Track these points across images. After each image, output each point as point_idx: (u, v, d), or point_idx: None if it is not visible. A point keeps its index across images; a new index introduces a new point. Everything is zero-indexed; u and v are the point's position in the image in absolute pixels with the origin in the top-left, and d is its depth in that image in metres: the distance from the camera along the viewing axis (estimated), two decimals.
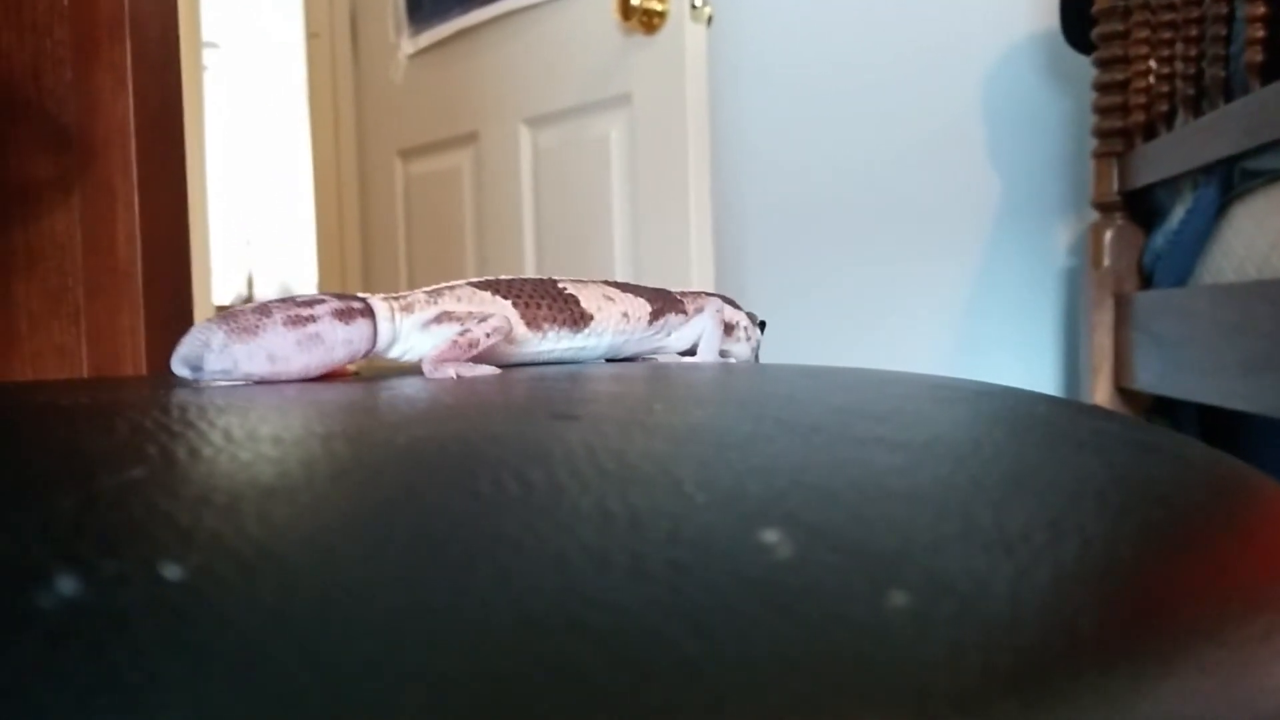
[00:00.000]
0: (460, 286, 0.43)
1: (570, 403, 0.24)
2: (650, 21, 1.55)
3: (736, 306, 0.55)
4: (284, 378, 0.37)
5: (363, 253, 2.11)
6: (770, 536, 0.14)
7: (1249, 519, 0.18)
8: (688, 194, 1.52)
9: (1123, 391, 1.56)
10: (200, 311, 3.35)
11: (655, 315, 0.49)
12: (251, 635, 0.12)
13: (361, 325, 0.39)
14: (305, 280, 3.89)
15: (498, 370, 0.40)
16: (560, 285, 0.46)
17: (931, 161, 1.75)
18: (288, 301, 0.38)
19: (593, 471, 0.17)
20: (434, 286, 0.43)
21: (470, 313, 0.41)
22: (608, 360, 0.49)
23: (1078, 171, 1.71)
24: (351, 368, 0.43)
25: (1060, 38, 1.63)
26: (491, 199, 1.78)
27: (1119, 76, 1.48)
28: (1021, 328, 1.79)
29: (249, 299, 5.48)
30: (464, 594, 0.13)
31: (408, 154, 1.97)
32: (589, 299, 0.46)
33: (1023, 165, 1.73)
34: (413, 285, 1.98)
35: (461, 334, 0.40)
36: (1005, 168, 1.74)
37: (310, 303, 0.38)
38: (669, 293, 0.51)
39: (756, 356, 0.57)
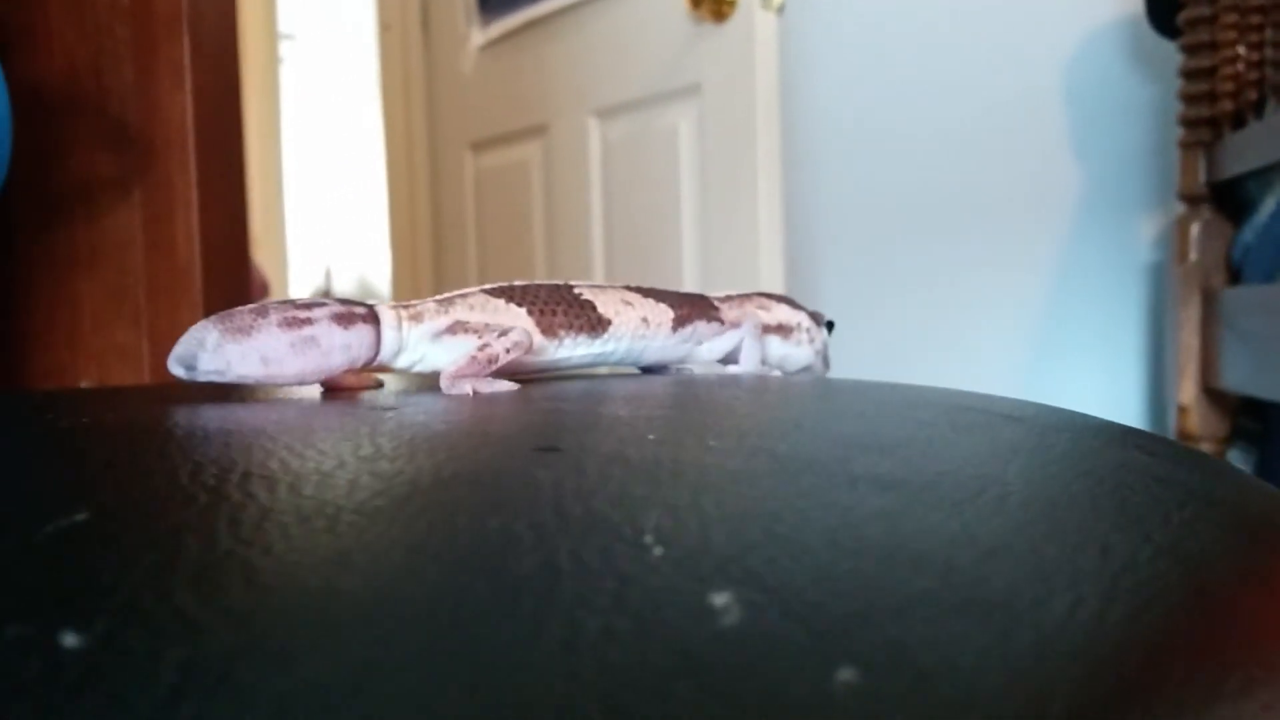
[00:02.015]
0: (474, 294, 0.42)
1: (560, 431, 0.23)
2: (720, 10, 1.53)
3: (796, 306, 0.53)
4: (281, 381, 0.36)
5: (434, 246, 2.12)
6: (720, 600, 0.13)
7: (1274, 576, 0.17)
8: (757, 186, 1.51)
9: (1210, 392, 1.51)
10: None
11: (680, 322, 0.47)
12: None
13: (362, 331, 0.38)
14: (380, 273, 3.93)
15: (515, 386, 0.39)
16: (576, 290, 0.44)
17: (1011, 152, 1.71)
18: (287, 303, 0.37)
19: (554, 519, 0.16)
20: (447, 294, 0.42)
21: (486, 324, 0.40)
22: (643, 369, 0.48)
23: (1163, 162, 1.66)
24: (372, 380, 0.42)
25: (1145, 23, 1.57)
26: (561, 191, 1.78)
27: (1206, 63, 1.42)
28: (1104, 325, 1.74)
29: (327, 292, 5.56)
30: (365, 661, 0.12)
31: (479, 146, 1.98)
32: (606, 304, 0.45)
33: (1106, 156, 1.68)
34: (484, 279, 1.99)
35: (481, 349, 0.39)
36: (1088, 159, 1.68)
37: (310, 305, 0.37)
38: (703, 299, 0.49)
39: (825, 360, 0.54)
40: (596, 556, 0.14)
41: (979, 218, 1.72)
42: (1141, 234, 1.70)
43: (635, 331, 0.45)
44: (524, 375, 0.43)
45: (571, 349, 0.43)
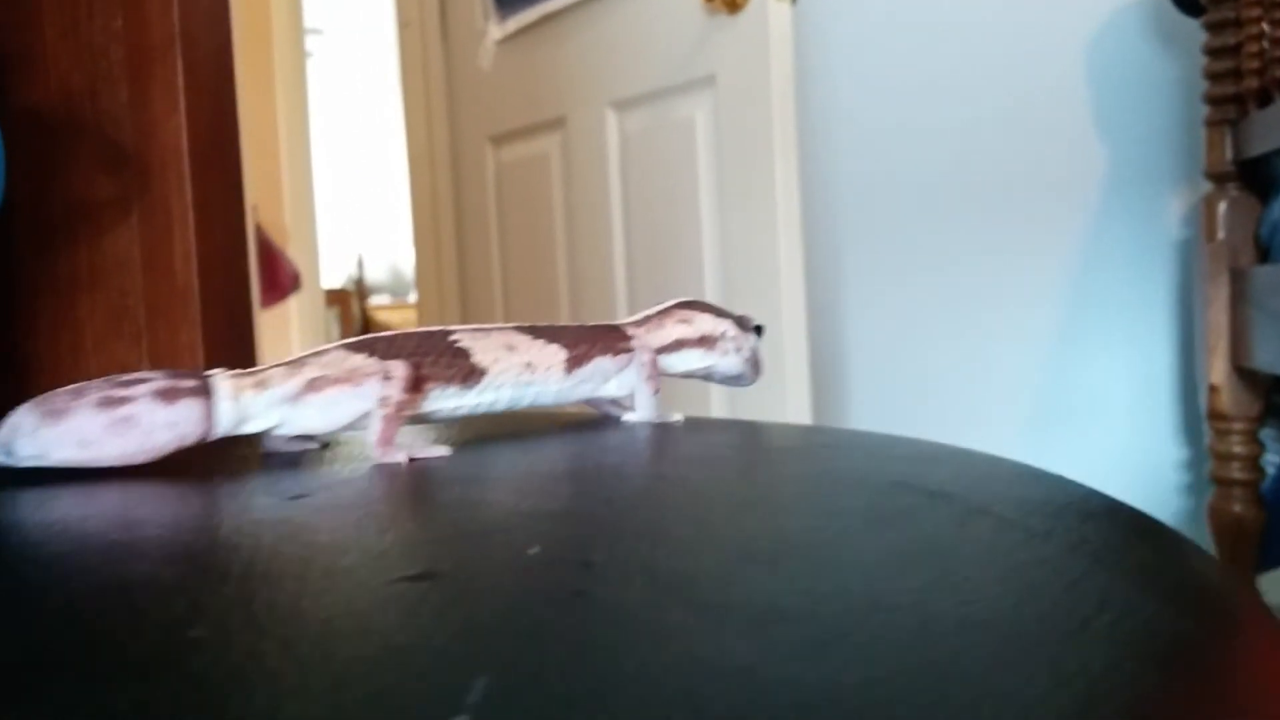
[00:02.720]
0: (332, 350, 0.40)
1: (412, 554, 0.23)
2: (734, 1, 1.51)
3: (721, 314, 0.51)
4: (105, 463, 0.35)
5: (457, 238, 2.13)
6: None
7: (1231, 681, 0.16)
8: (774, 176, 1.49)
9: (1241, 371, 1.48)
10: (298, 307, 3.41)
11: (576, 362, 0.45)
12: None
13: (188, 406, 0.36)
14: (410, 262, 3.95)
15: (447, 451, 0.39)
16: (453, 338, 0.42)
17: (1034, 132, 1.68)
18: (111, 380, 0.36)
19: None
20: (300, 355, 0.40)
21: (354, 371, 0.39)
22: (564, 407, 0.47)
23: (1189, 140, 1.62)
24: (312, 445, 0.42)
25: (1168, 0, 1.54)
26: (580, 183, 1.77)
27: (1231, 40, 1.39)
28: (1132, 305, 1.71)
29: (360, 280, 5.60)
30: None
31: (498, 140, 1.98)
32: (484, 351, 0.43)
33: (1131, 135, 1.65)
34: (506, 270, 1.99)
35: (382, 404, 0.38)
36: (1112, 138, 1.65)
37: (133, 382, 0.36)
38: (610, 332, 0.47)
39: (756, 367, 0.52)
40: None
41: (1003, 200, 1.70)
42: (1169, 212, 1.67)
43: (517, 379, 0.44)
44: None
45: (439, 401, 0.42)
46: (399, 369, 0.39)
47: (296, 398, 0.38)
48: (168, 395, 0.36)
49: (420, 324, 2.22)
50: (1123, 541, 0.23)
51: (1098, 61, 1.64)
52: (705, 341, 0.49)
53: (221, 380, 0.38)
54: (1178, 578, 0.22)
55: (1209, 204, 1.46)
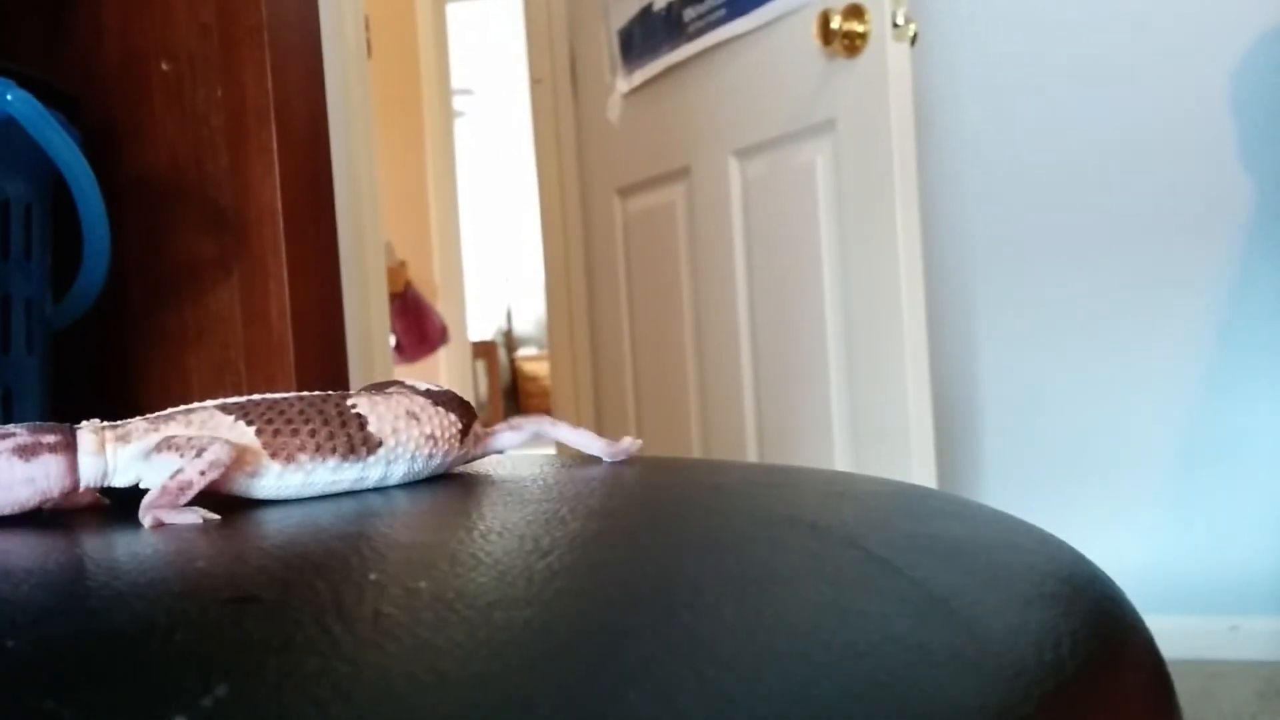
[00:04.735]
0: (203, 409, 0.39)
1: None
2: (852, 44, 1.50)
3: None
4: None
5: (588, 288, 2.16)
6: None
7: None
8: (894, 218, 1.47)
9: None
10: (446, 359, 3.50)
11: (466, 431, 0.43)
12: None
13: (47, 462, 0.36)
14: None
15: (213, 517, 0.35)
16: (349, 403, 0.40)
17: (1174, 167, 1.61)
18: None
19: None
20: (170, 410, 0.39)
21: (190, 440, 0.37)
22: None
23: None
24: (85, 500, 0.40)
25: None
26: (704, 231, 1.78)
27: None
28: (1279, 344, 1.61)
29: (508, 332, 5.75)
30: None
31: (625, 191, 2.01)
32: (382, 418, 0.40)
33: (1277, 168, 1.56)
34: (633, 318, 2.01)
35: (173, 476, 0.36)
36: (1258, 171, 1.56)
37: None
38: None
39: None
40: None
41: (1140, 238, 1.63)
42: None
43: (417, 451, 0.40)
44: (262, 502, 0.39)
45: (316, 474, 0.38)
46: (216, 452, 0.36)
47: (148, 455, 0.37)
48: (25, 452, 0.36)
49: (553, 370, 2.26)
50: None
51: (1240, 91, 1.56)
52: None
53: (86, 433, 0.37)
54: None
55: None
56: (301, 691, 0.17)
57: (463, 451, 0.43)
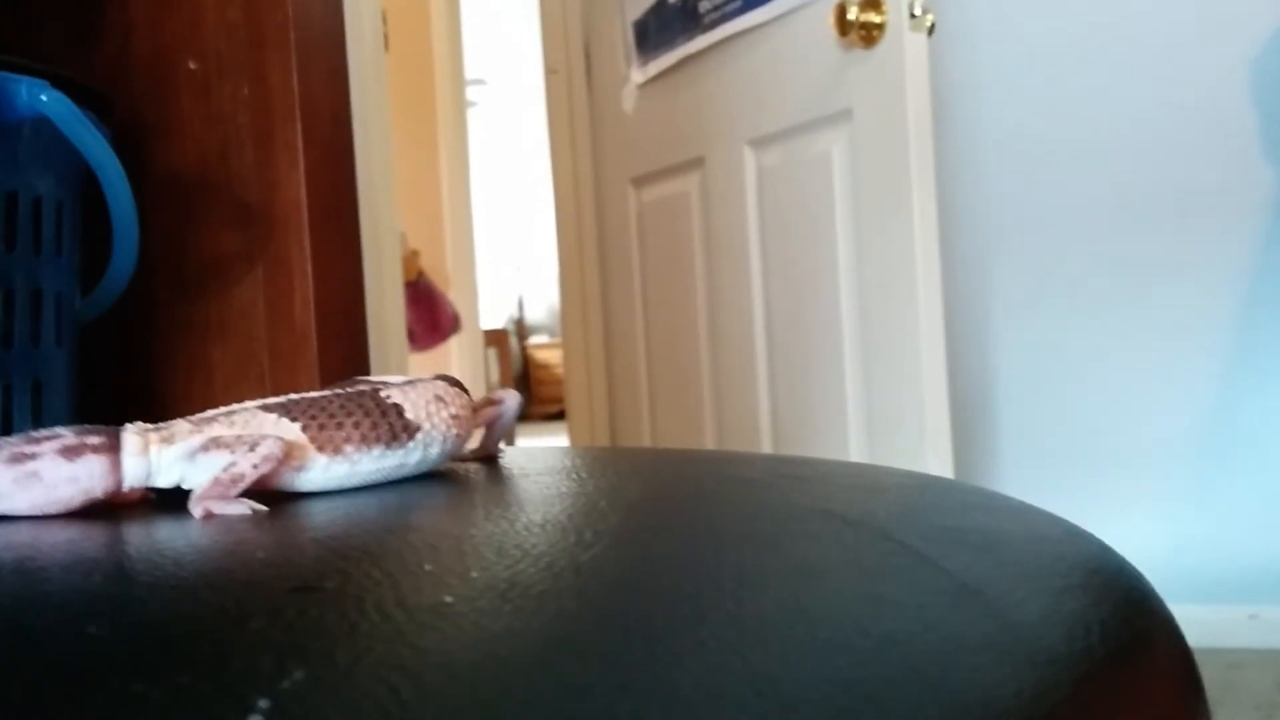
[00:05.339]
0: (244, 410, 0.40)
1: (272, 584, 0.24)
2: (869, 34, 1.51)
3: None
4: (19, 513, 0.37)
5: (601, 278, 2.17)
6: None
7: None
8: (911, 208, 1.47)
9: None
10: (458, 347, 3.51)
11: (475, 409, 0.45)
12: None
13: (91, 462, 0.37)
14: None
15: (261, 508, 0.37)
16: (384, 394, 0.41)
17: (1194, 154, 1.61)
18: (23, 437, 0.37)
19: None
20: (210, 412, 0.40)
21: (239, 438, 0.38)
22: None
23: None
24: (134, 497, 0.41)
25: None
26: (718, 221, 1.79)
27: None
28: None
29: (519, 320, 5.76)
30: None
31: (640, 181, 2.01)
32: (416, 405, 0.41)
33: None
34: (647, 308, 2.02)
35: (226, 469, 0.37)
36: (1277, 158, 1.56)
37: (40, 439, 0.37)
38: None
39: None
40: None
41: (1160, 226, 1.63)
42: None
43: (446, 433, 0.42)
44: (309, 495, 0.40)
45: (361, 463, 0.40)
46: (270, 446, 0.38)
47: (194, 455, 0.38)
48: (71, 453, 0.37)
49: (566, 360, 2.27)
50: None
51: (1261, 79, 1.56)
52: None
53: (130, 435, 0.38)
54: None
55: None
56: (373, 675, 0.18)
57: (470, 430, 0.45)
